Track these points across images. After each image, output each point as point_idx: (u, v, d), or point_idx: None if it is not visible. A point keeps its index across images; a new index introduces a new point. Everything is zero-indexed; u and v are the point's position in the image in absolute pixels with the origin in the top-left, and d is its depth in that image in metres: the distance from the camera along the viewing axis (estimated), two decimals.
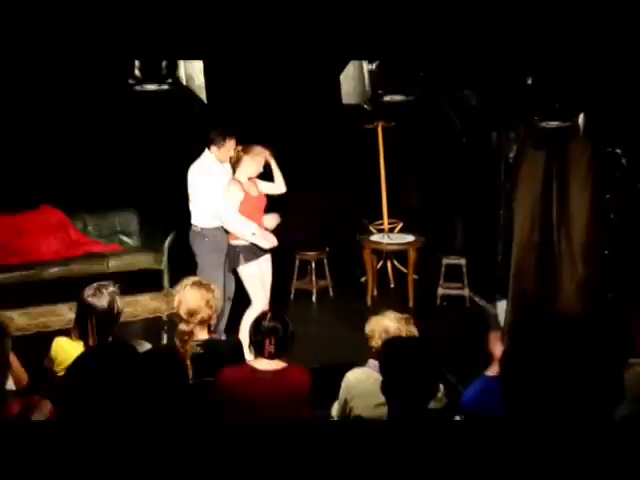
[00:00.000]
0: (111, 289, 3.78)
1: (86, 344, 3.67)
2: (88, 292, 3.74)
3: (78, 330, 3.73)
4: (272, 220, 5.91)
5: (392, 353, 2.95)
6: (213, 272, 5.67)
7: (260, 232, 5.68)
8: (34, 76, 5.87)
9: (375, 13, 3.90)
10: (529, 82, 5.75)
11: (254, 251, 5.73)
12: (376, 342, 3.68)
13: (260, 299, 5.75)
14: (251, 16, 3.91)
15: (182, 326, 3.91)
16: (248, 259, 5.71)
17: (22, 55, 4.02)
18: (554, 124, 5.91)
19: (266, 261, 5.90)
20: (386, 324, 3.71)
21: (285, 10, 3.91)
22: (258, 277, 5.76)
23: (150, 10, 3.94)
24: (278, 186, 6.01)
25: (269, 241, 5.75)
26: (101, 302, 3.69)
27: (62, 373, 3.67)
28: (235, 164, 5.76)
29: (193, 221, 5.90)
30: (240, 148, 5.75)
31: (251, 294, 5.77)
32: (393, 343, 3.10)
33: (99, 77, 5.87)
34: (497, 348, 3.39)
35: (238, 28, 4.05)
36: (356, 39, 4.20)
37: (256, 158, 5.73)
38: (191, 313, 3.91)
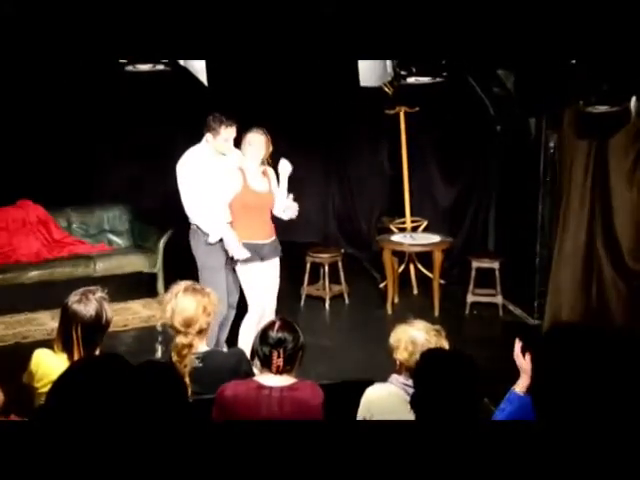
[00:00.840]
0: (99, 295, 3.76)
1: (70, 357, 3.65)
2: (73, 298, 3.72)
3: (61, 341, 3.71)
4: (285, 166, 5.79)
5: (431, 366, 2.92)
6: (213, 275, 5.65)
7: (231, 239, 5.61)
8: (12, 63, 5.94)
9: None
10: (573, 62, 5.69)
11: (256, 250, 5.69)
12: (401, 354, 3.63)
13: (255, 305, 5.73)
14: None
15: (180, 339, 3.89)
16: (245, 261, 5.68)
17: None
18: (602, 109, 5.84)
19: (272, 264, 5.85)
20: (414, 335, 3.66)
21: None
22: (255, 280, 5.73)
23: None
24: (277, 205, 5.89)
25: (237, 253, 5.66)
26: (87, 310, 3.67)
27: (43, 390, 3.64)
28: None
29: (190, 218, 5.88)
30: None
31: (247, 298, 5.78)
32: (433, 355, 3.07)
33: (86, 59, 5.93)
34: (522, 359, 3.37)
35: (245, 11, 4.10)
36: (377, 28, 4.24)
37: (252, 143, 5.69)
38: (187, 323, 3.89)
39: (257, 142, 5.69)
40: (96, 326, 3.69)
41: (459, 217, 8.54)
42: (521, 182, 7.48)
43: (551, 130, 6.84)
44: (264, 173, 5.79)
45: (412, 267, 8.18)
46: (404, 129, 8.16)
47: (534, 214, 7.14)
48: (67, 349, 3.68)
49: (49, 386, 3.25)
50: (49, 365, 3.67)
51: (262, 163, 5.77)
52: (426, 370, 2.93)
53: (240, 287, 5.86)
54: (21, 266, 7.41)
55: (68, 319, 3.69)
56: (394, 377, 3.67)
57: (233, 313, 5.96)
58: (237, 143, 5.78)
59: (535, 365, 2.39)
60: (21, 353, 5.63)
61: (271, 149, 5.76)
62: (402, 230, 8.23)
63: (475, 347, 6.16)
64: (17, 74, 7.23)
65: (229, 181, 5.65)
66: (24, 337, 6.71)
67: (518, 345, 3.37)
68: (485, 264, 7.56)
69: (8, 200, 7.85)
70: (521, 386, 3.35)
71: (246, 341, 5.65)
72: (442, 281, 7.66)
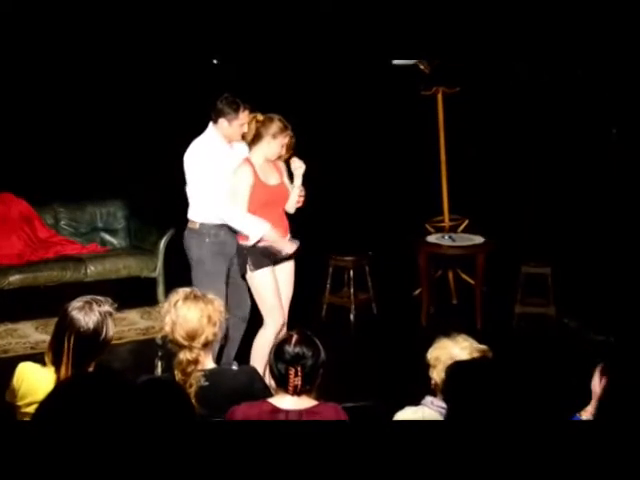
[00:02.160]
0: (105, 308, 3.78)
1: (57, 371, 3.69)
2: (75, 304, 3.75)
3: (52, 351, 3.75)
4: (299, 165, 5.86)
5: (460, 381, 2.95)
6: (216, 282, 5.65)
7: (275, 233, 5.66)
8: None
9: None
10: None
11: (267, 255, 5.72)
12: (438, 374, 3.63)
13: (275, 317, 5.75)
14: None
15: (183, 354, 3.90)
16: (258, 265, 5.70)
17: None
18: None
19: (286, 269, 5.89)
20: (455, 353, 3.66)
21: None
22: (271, 289, 5.74)
23: None
24: (289, 202, 5.94)
25: (286, 246, 5.73)
26: (86, 320, 3.69)
27: (26, 409, 3.68)
28: (252, 140, 5.76)
29: (190, 215, 5.91)
30: (260, 118, 5.74)
31: (262, 310, 5.78)
32: (461, 368, 3.10)
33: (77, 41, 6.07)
34: (598, 385, 3.37)
35: None
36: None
37: (278, 137, 5.72)
38: (191, 336, 3.89)
39: (284, 137, 5.77)
40: (92, 341, 3.71)
41: (505, 216, 8.53)
42: (578, 176, 7.48)
43: (616, 111, 6.83)
44: (273, 164, 5.86)
45: (451, 273, 8.18)
46: (442, 113, 8.17)
47: (593, 212, 7.13)
48: (56, 361, 3.73)
49: (34, 406, 3.34)
50: (34, 381, 3.72)
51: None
52: (455, 386, 2.95)
53: (252, 297, 5.90)
54: (1, 269, 7.42)
55: (64, 326, 3.73)
56: (428, 399, 3.69)
57: (244, 327, 6.01)
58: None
59: (610, 390, 2.41)
60: (0, 369, 5.74)
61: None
62: (440, 230, 8.22)
63: (523, 363, 6.20)
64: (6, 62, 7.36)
65: (244, 174, 5.70)
66: (4, 351, 6.76)
67: (599, 368, 3.37)
68: (535, 269, 7.55)
69: None
70: (589, 412, 3.37)
71: (260, 359, 5.73)
72: (485, 289, 7.66)
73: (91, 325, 3.70)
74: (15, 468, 2.11)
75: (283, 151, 5.78)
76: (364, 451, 2.30)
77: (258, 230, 5.63)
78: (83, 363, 3.72)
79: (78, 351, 3.69)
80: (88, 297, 3.80)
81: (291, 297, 5.97)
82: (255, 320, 5.93)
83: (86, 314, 3.71)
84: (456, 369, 3.09)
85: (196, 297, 3.98)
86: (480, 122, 8.63)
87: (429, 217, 8.45)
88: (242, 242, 5.75)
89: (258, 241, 5.65)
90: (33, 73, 8.04)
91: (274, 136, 5.71)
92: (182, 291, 4.04)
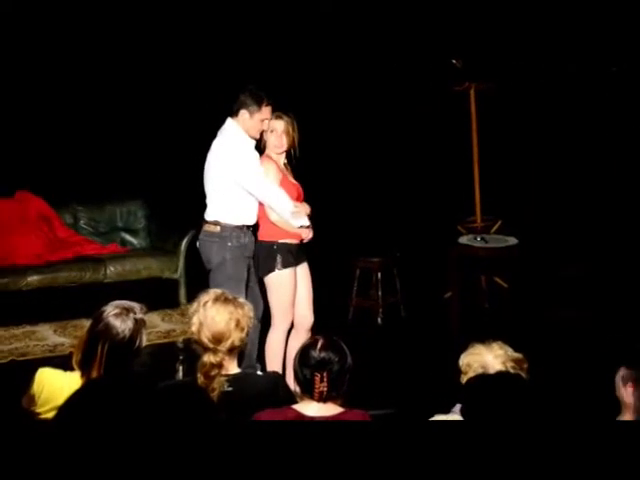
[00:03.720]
0: (140, 316, 3.83)
1: (85, 376, 3.69)
2: (111, 310, 3.77)
3: (82, 355, 3.78)
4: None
5: (474, 397, 2.94)
6: (235, 287, 5.58)
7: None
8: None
9: None
10: None
11: (294, 252, 5.79)
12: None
13: (287, 318, 5.83)
14: None
15: (207, 357, 3.92)
16: (286, 264, 5.77)
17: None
18: None
19: (305, 270, 5.96)
20: (487, 361, 3.67)
21: None
22: (292, 289, 5.81)
23: None
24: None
25: (307, 230, 5.84)
26: (122, 327, 3.72)
27: (46, 416, 3.70)
28: (263, 144, 5.88)
29: (210, 217, 5.91)
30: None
31: (275, 310, 5.83)
32: (477, 383, 3.10)
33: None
34: (623, 392, 3.37)
35: None
36: None
37: (272, 133, 5.83)
38: (217, 339, 3.91)
39: (279, 129, 5.82)
40: (126, 349, 3.73)
41: (541, 216, 8.50)
42: (620, 175, 7.43)
43: None
44: (285, 166, 5.96)
45: (483, 275, 8.17)
46: (474, 109, 8.16)
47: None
48: (85, 366, 3.74)
49: (53, 412, 3.36)
50: (57, 388, 3.72)
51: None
52: (469, 401, 2.94)
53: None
54: (19, 270, 7.49)
55: (98, 332, 3.74)
56: (458, 407, 3.70)
57: (259, 328, 6.05)
58: None
59: None
60: (17, 373, 5.79)
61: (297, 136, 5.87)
62: (471, 231, 8.21)
63: (559, 375, 6.18)
64: (24, 57, 7.44)
65: (272, 169, 5.78)
66: (21, 354, 6.79)
67: (620, 374, 3.36)
68: (572, 273, 7.53)
69: (3, 192, 7.96)
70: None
71: (276, 360, 5.79)
72: (519, 293, 7.64)
73: (127, 333, 3.72)
74: (33, 471, 2.15)
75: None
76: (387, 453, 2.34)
77: (301, 210, 5.75)
78: (114, 370, 3.73)
79: (110, 358, 3.71)
80: (123, 303, 3.82)
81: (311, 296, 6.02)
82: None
83: (123, 321, 3.73)
84: (475, 383, 3.08)
85: (227, 300, 3.99)
86: (515, 119, 8.59)
87: (461, 218, 8.44)
88: (266, 239, 5.81)
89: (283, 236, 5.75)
90: (52, 68, 8.09)
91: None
92: (213, 292, 4.06)
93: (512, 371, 3.62)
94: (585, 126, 8.15)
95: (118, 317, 3.74)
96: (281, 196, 5.75)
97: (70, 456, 2.14)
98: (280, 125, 5.80)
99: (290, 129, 5.82)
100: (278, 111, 5.81)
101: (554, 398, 3.19)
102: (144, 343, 3.84)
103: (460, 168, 8.50)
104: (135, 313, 3.79)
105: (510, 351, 3.73)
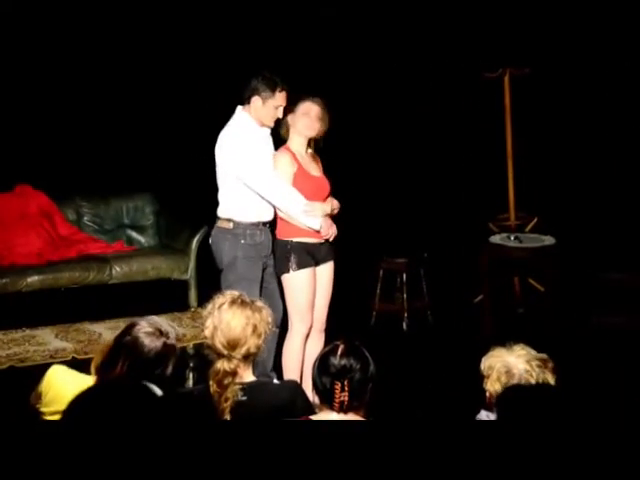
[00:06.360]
0: (171, 342, 3.86)
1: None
2: (144, 325, 3.81)
3: (101, 364, 3.78)
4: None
5: (511, 407, 2.94)
6: (247, 289, 5.56)
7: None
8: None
9: None
10: None
11: (312, 252, 5.78)
12: (492, 385, 3.65)
13: (306, 322, 5.82)
14: None
15: (220, 364, 3.93)
16: (301, 265, 5.76)
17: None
18: None
19: (327, 268, 5.94)
20: (510, 362, 3.68)
21: None
22: (310, 292, 5.80)
23: None
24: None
25: (326, 229, 5.78)
26: (150, 347, 3.75)
27: (50, 417, 3.74)
28: (286, 130, 5.85)
29: (222, 213, 5.92)
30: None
31: (292, 313, 5.83)
32: (515, 393, 3.10)
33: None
34: None
35: None
36: None
37: (305, 116, 5.79)
38: (232, 345, 3.91)
39: (311, 118, 5.81)
40: (148, 369, 3.73)
41: (581, 214, 8.48)
42: None
43: None
44: (313, 156, 5.94)
45: (517, 277, 8.16)
46: (509, 98, 8.14)
47: None
48: (102, 374, 3.74)
49: (57, 416, 3.40)
50: (64, 390, 3.74)
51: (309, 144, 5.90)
52: (505, 411, 2.94)
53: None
54: (18, 270, 7.52)
55: (124, 344, 3.78)
56: (483, 414, 3.71)
57: (277, 334, 6.04)
58: None
59: None
60: (16, 379, 5.83)
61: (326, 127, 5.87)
62: (505, 229, 8.20)
63: (601, 385, 6.15)
64: (27, 47, 7.50)
65: (284, 161, 5.77)
66: (20, 360, 6.82)
67: None
68: (614, 276, 7.50)
69: (2, 186, 8.00)
70: None
71: (294, 367, 5.80)
72: (556, 297, 7.62)
73: (153, 353, 3.75)
74: (37, 472, 2.18)
75: (311, 131, 5.81)
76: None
77: (298, 204, 5.70)
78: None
79: (130, 373, 3.72)
80: (160, 324, 3.85)
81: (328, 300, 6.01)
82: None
83: (152, 341, 3.75)
84: (510, 394, 3.08)
85: (243, 303, 3.98)
86: (553, 108, 8.57)
87: (493, 215, 8.44)
88: (282, 238, 5.82)
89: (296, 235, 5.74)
90: (53, 60, 8.15)
91: (302, 115, 5.77)
92: (229, 294, 4.05)
93: (537, 370, 3.64)
94: (633, 116, 8.11)
95: (149, 336, 3.77)
96: (287, 194, 5.72)
97: (70, 456, 2.16)
98: (316, 110, 5.79)
99: (325, 117, 5.82)
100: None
101: (603, 411, 3.16)
102: (169, 371, 3.84)
103: (492, 161, 8.50)
104: (168, 338, 3.81)
105: (532, 351, 3.74)
